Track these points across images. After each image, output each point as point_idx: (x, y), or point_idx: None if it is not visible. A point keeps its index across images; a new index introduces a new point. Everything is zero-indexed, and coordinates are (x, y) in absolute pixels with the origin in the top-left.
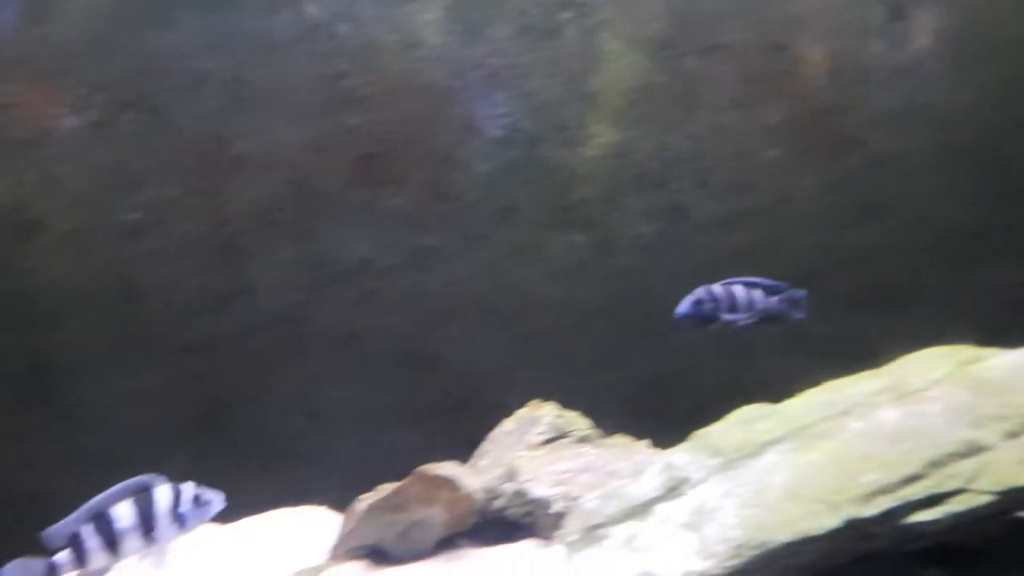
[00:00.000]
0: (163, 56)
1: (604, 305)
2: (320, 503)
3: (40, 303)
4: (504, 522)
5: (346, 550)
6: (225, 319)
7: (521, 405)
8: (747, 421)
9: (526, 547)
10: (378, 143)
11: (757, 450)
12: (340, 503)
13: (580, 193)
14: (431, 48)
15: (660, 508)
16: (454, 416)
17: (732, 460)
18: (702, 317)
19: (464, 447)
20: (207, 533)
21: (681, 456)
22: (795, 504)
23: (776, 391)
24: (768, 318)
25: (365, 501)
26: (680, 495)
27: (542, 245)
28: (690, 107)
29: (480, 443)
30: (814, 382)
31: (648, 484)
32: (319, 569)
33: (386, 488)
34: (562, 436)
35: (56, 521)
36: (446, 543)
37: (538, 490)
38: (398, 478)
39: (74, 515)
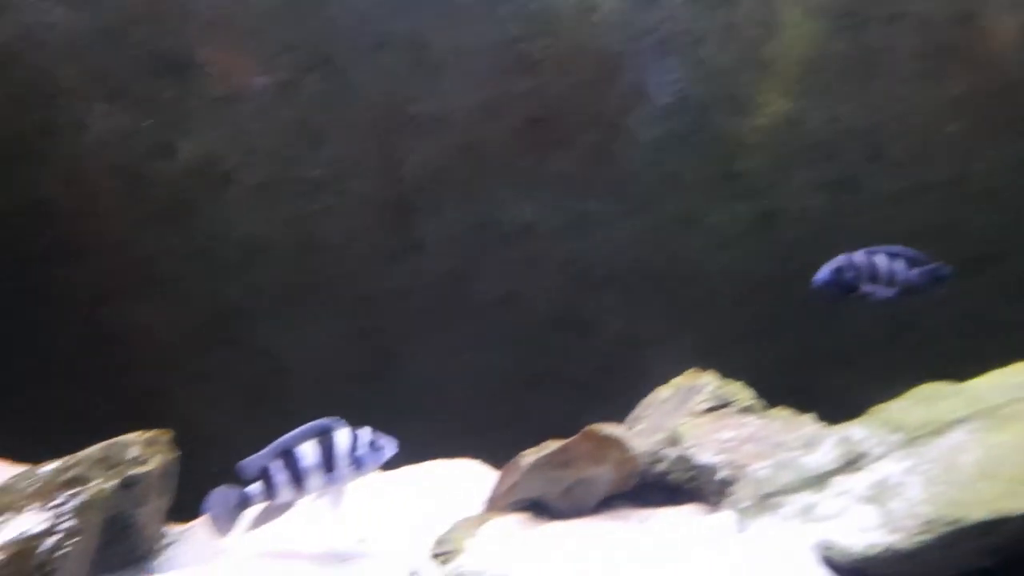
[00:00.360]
0: (348, 18)
1: (765, 277)
2: (473, 457)
3: (228, 252)
4: (665, 486)
5: (508, 502)
6: (394, 275)
7: (674, 374)
8: (929, 399)
9: (690, 511)
10: (547, 107)
11: (941, 428)
12: (492, 458)
13: (747, 163)
14: (606, 13)
15: (837, 480)
16: (606, 381)
17: (914, 437)
18: (842, 286)
19: (614, 412)
20: (370, 478)
21: (858, 430)
22: (990, 484)
23: (948, 373)
24: (908, 291)
25: (529, 456)
26: (859, 469)
27: (705, 214)
28: (867, 77)
29: (631, 409)
30: (989, 365)
31: (824, 456)
32: (482, 519)
33: (551, 445)
34: (724, 405)
35: (237, 456)
36: (607, 502)
37: (703, 457)
38: (549, 438)
39: (265, 451)
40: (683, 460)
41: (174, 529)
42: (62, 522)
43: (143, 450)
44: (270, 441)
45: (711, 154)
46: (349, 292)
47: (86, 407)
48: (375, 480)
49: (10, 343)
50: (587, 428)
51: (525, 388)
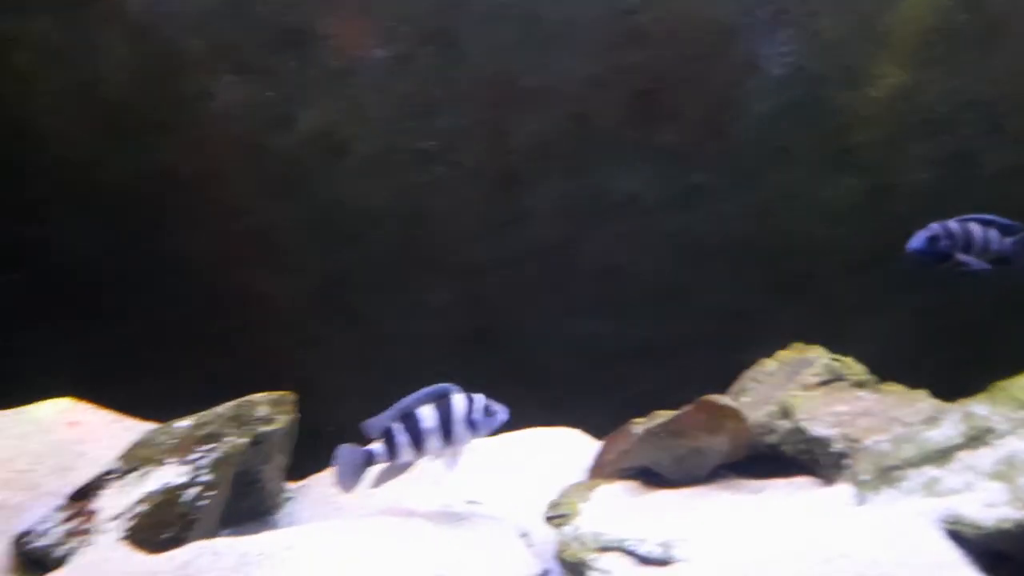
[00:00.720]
0: None
1: (874, 253)
2: (572, 426)
3: (341, 221)
4: (776, 458)
5: (616, 469)
6: (500, 245)
7: (778, 347)
8: None
9: (804, 483)
10: (658, 79)
11: None
12: (592, 428)
13: (860, 136)
14: None
15: (962, 456)
16: (707, 353)
17: None
18: (935, 255)
19: (714, 384)
20: (478, 443)
21: (982, 407)
22: None
23: None
24: (1002, 260)
25: (641, 425)
26: (984, 444)
27: (814, 188)
28: (990, 49)
29: (731, 382)
30: None
31: (947, 431)
32: (592, 485)
33: (663, 415)
34: (837, 379)
35: (347, 418)
36: (717, 472)
37: (817, 429)
38: (649, 409)
39: (388, 412)
40: (797, 432)
41: (291, 486)
42: (200, 475)
43: (270, 409)
44: (377, 404)
45: (823, 127)
46: (456, 261)
47: (206, 369)
48: (481, 445)
49: (134, 308)
50: (702, 399)
51: (626, 359)
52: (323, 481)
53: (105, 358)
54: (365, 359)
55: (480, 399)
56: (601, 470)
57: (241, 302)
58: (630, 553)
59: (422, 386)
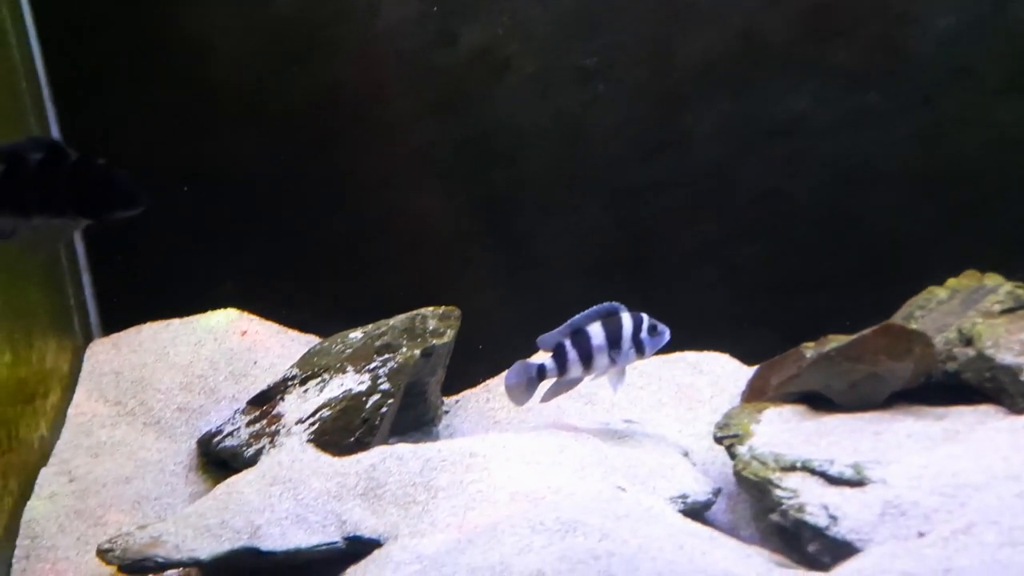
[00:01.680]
0: None
1: None
2: (722, 351)
3: (500, 140)
4: (953, 386)
5: (782, 394)
6: (659, 166)
7: (943, 276)
8: None
9: (988, 411)
10: None
11: None
12: (743, 354)
13: None
14: None
15: None
16: (866, 281)
17: None
18: None
19: (873, 313)
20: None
21: None
22: None
23: None
24: None
25: (812, 349)
26: None
27: (992, 111)
28: None
29: (891, 310)
30: None
31: None
32: (758, 407)
33: (836, 339)
34: (1022, 307)
35: (498, 337)
36: (892, 399)
37: (1004, 357)
38: (803, 337)
39: (559, 328)
40: (981, 360)
41: (447, 400)
42: (380, 384)
43: (439, 323)
44: (528, 325)
45: (1007, 47)
46: (612, 183)
47: (362, 286)
48: (636, 365)
49: (297, 225)
50: (886, 322)
51: (781, 285)
52: (477, 396)
53: (268, 273)
54: (517, 280)
55: (646, 318)
56: (761, 394)
57: (399, 221)
58: (818, 473)
59: (573, 309)
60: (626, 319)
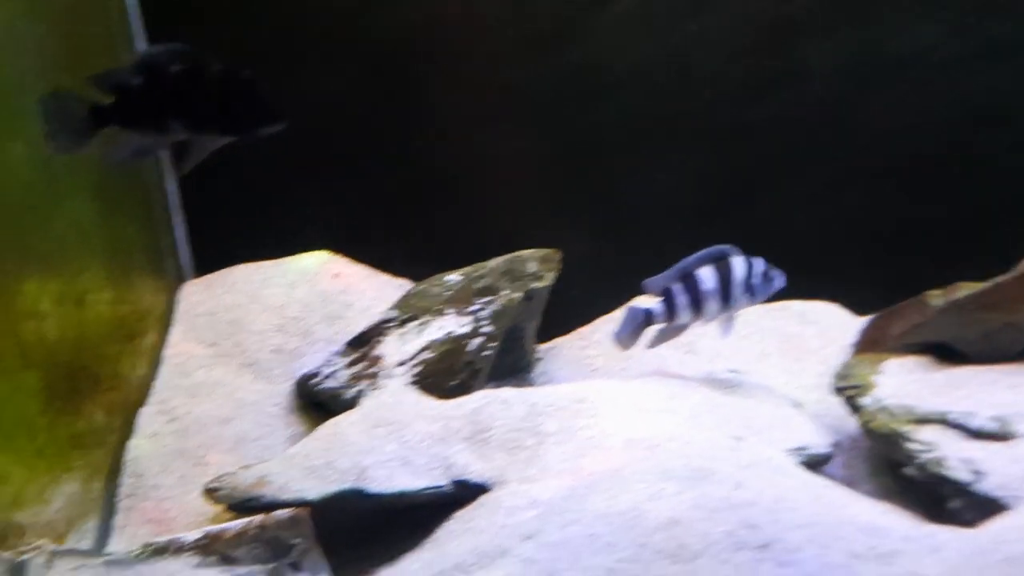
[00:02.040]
0: None
1: None
2: (830, 300)
3: (600, 77)
4: None
5: (902, 344)
6: (769, 104)
7: None
8: None
9: None
10: None
11: None
12: (854, 304)
13: None
14: None
15: None
16: (991, 227)
17: None
18: None
19: (1004, 260)
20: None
21: None
22: None
23: None
24: None
25: (940, 297)
26: None
27: None
28: None
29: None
30: None
31: None
32: (878, 358)
33: (968, 287)
34: None
35: (587, 284)
36: None
37: None
38: (926, 287)
39: (668, 272)
40: None
41: (540, 347)
42: (482, 326)
43: (539, 266)
44: (623, 271)
45: None
46: (718, 122)
47: (454, 227)
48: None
49: (388, 166)
50: None
51: (898, 232)
52: (570, 344)
53: (359, 215)
54: (613, 224)
55: (759, 263)
56: (877, 345)
57: (493, 161)
58: (957, 426)
59: (670, 255)
60: (738, 263)
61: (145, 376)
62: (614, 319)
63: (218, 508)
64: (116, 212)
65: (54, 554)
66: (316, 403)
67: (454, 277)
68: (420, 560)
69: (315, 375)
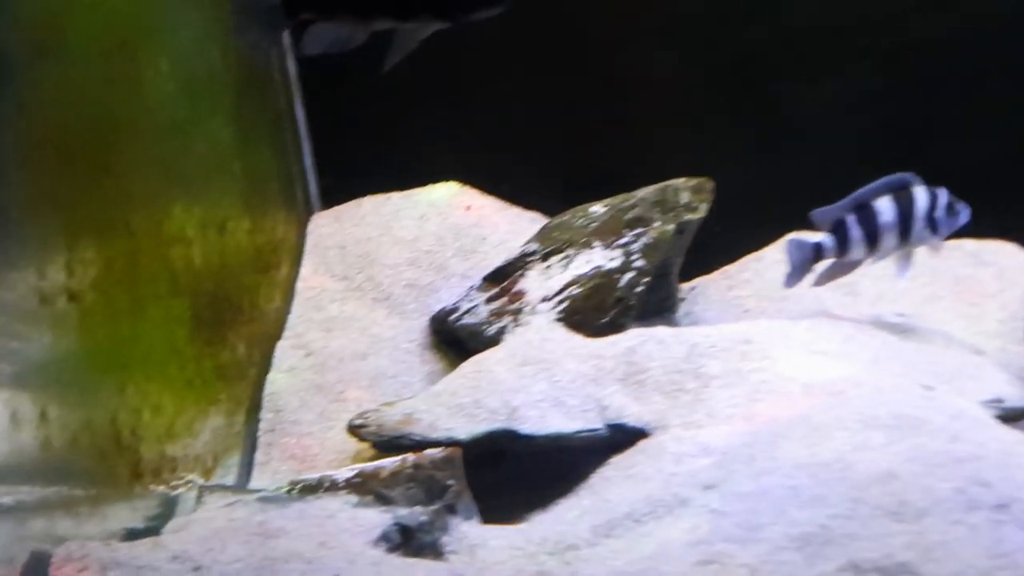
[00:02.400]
0: None
1: None
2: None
3: None
4: None
5: None
6: (943, 19)
7: None
8: None
9: None
10: None
11: None
12: None
13: None
14: None
15: None
16: None
17: None
18: None
19: None
20: None
21: None
22: None
23: None
24: None
25: None
26: None
27: None
28: None
29: None
30: None
31: None
32: None
33: None
34: None
35: (736, 211)
36: None
37: None
38: None
39: (840, 203)
40: None
41: (682, 286)
42: (634, 260)
43: (692, 196)
44: (778, 204)
45: None
46: (887, 38)
47: (595, 158)
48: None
49: (519, 94)
50: None
51: None
52: (716, 284)
53: (489, 145)
54: (768, 152)
55: (943, 194)
56: None
57: (636, 84)
58: None
59: (833, 186)
60: (920, 194)
61: (280, 309)
62: (764, 257)
63: (361, 446)
64: (251, 137)
65: (204, 489)
66: (452, 340)
67: (598, 208)
68: (578, 507)
69: (453, 311)
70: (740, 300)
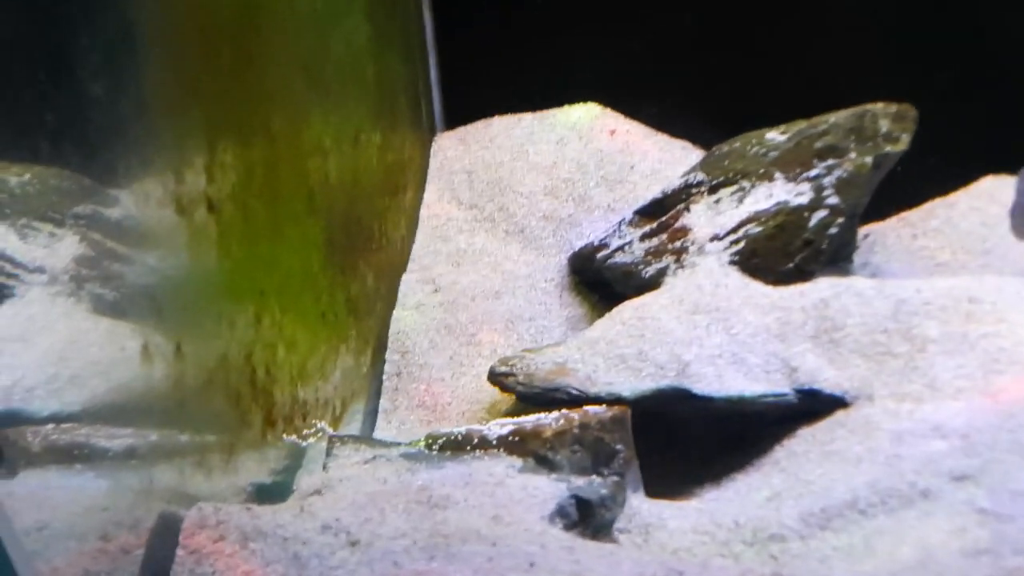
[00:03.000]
0: None
1: None
2: None
3: None
4: None
5: None
6: None
7: None
8: None
9: None
10: None
11: None
12: None
13: None
14: None
15: None
16: None
17: None
18: None
19: None
20: None
21: None
22: None
23: None
24: None
25: None
26: None
27: None
28: None
29: None
30: None
31: None
32: None
33: None
34: None
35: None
36: None
37: None
38: None
39: None
40: None
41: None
42: (826, 197)
43: (893, 125)
44: (981, 138)
45: None
46: None
47: (756, 84)
48: None
49: (663, 9)
50: None
51: None
52: (896, 231)
53: (633, 64)
54: (965, 75)
55: None
56: None
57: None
58: None
59: None
60: None
61: (405, 239)
62: (956, 204)
63: (498, 396)
64: (383, 41)
65: (333, 440)
66: (597, 281)
67: (776, 136)
68: (766, 486)
69: (601, 248)
70: (929, 252)
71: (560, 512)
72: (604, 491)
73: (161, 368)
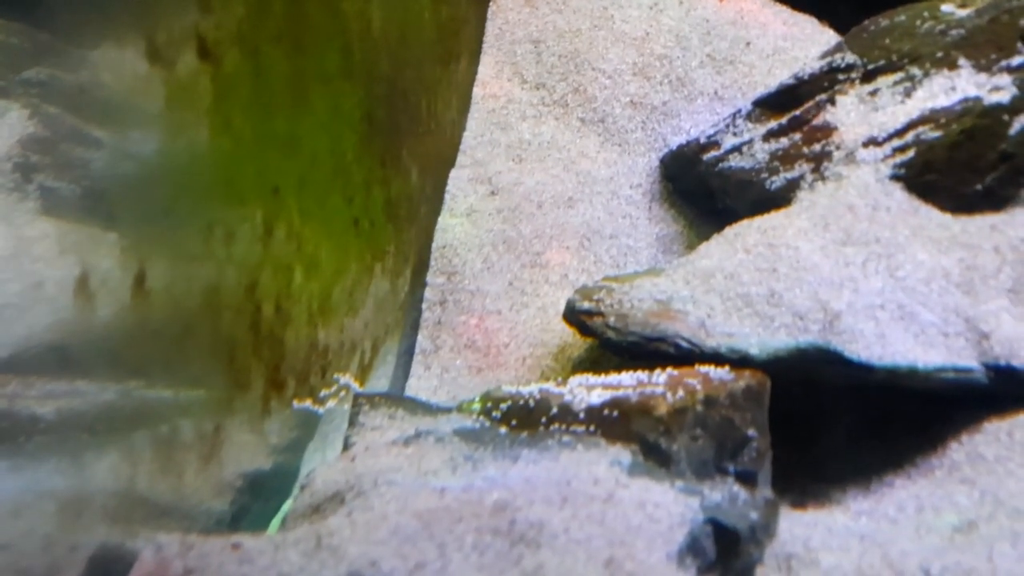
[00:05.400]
0: None
1: None
2: None
3: None
4: None
5: None
6: None
7: None
8: None
9: None
10: None
11: None
12: None
13: None
14: None
15: None
16: None
17: None
18: None
19: None
20: None
21: None
22: None
23: None
24: None
25: None
26: None
27: None
28: None
29: None
30: None
31: None
32: None
33: None
34: None
35: None
36: None
37: None
38: None
39: None
40: None
41: None
42: None
43: None
44: None
45: None
46: None
47: None
48: None
49: None
50: None
51: None
52: None
53: None
54: None
55: None
56: None
57: None
58: None
59: None
60: None
61: (456, 123)
62: None
63: (574, 340)
64: None
65: (360, 402)
66: (699, 191)
67: (956, 9)
68: (950, 506)
69: (708, 146)
70: None
71: (692, 548)
72: (754, 515)
73: (109, 308)
